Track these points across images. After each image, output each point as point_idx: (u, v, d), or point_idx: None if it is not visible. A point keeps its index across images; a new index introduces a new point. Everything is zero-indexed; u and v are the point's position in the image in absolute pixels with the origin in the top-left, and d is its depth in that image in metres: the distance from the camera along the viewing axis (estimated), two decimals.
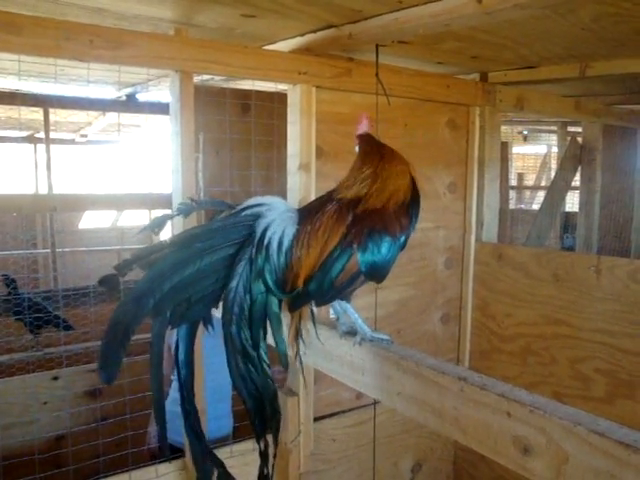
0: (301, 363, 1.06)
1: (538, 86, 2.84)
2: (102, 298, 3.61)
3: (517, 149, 9.90)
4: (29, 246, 6.48)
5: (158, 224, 0.98)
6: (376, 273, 1.01)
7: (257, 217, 1.00)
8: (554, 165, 9.60)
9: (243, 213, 1.00)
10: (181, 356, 1.01)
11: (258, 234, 0.98)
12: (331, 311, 1.14)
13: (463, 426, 0.88)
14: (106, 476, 1.97)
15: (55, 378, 3.20)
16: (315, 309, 1.07)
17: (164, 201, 3.17)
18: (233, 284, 0.96)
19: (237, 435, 2.42)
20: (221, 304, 1.00)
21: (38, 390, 3.13)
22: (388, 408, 2.54)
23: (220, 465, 1.03)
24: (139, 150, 7.49)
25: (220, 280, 0.97)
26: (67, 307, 3.78)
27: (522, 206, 8.97)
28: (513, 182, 8.96)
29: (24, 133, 7.14)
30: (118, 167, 7.22)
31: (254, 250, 0.97)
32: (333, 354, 1.15)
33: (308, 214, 1.02)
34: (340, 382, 2.42)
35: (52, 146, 5.60)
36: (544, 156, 10.51)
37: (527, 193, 10.21)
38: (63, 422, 3.11)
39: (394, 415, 2.62)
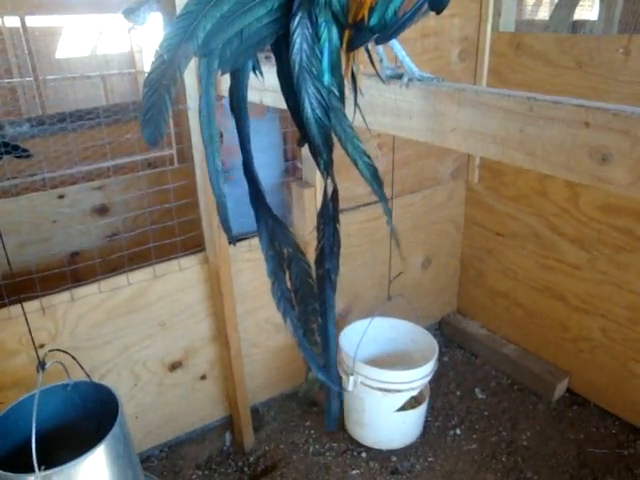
0: (357, 105, 0.97)
1: None
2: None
3: None
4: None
5: None
6: (439, 1, 0.90)
7: None
8: None
9: None
10: (236, 106, 0.90)
11: None
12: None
13: (530, 149, 0.83)
14: (132, 270, 2.02)
15: (61, 196, 3.17)
16: (370, 48, 0.96)
17: None
18: (299, 13, 0.82)
19: None
20: (269, 47, 0.88)
21: (46, 209, 3.13)
22: (401, 204, 2.59)
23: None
24: None
25: (275, 10, 0.83)
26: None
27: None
28: None
29: None
30: None
31: None
32: (374, 104, 1.07)
33: None
34: (354, 177, 2.39)
35: None
36: None
37: (529, 7, 9.57)
38: (74, 239, 3.15)
39: (406, 212, 2.64)
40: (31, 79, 5.56)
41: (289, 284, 0.97)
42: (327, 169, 0.93)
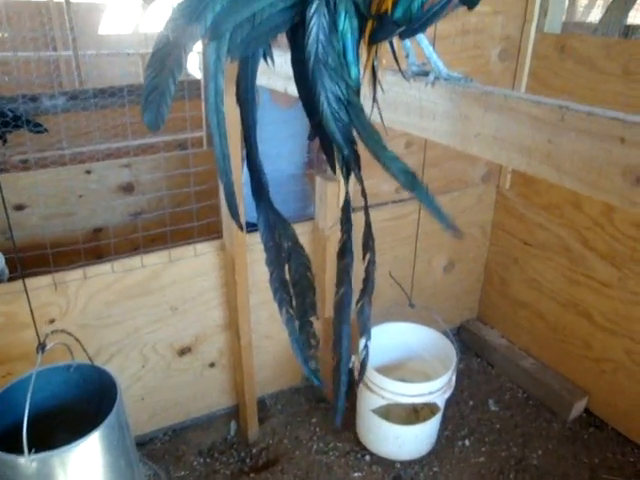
0: (376, 102, 0.91)
1: None
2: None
3: None
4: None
5: None
6: None
7: None
8: None
9: None
10: (243, 95, 0.85)
11: None
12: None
13: (557, 162, 0.77)
14: (146, 252, 2.00)
15: (88, 172, 3.18)
16: (395, 43, 0.91)
17: None
18: (316, 1, 0.77)
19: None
20: (282, 37, 0.84)
21: (72, 183, 3.14)
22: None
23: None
24: None
25: None
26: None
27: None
28: None
29: None
30: None
31: None
32: (398, 102, 1.01)
33: None
34: (380, 174, 2.33)
35: None
36: None
37: (580, 8, 9.27)
38: (99, 215, 3.16)
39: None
40: (70, 53, 5.60)
41: (288, 277, 0.95)
42: (348, 165, 0.88)
